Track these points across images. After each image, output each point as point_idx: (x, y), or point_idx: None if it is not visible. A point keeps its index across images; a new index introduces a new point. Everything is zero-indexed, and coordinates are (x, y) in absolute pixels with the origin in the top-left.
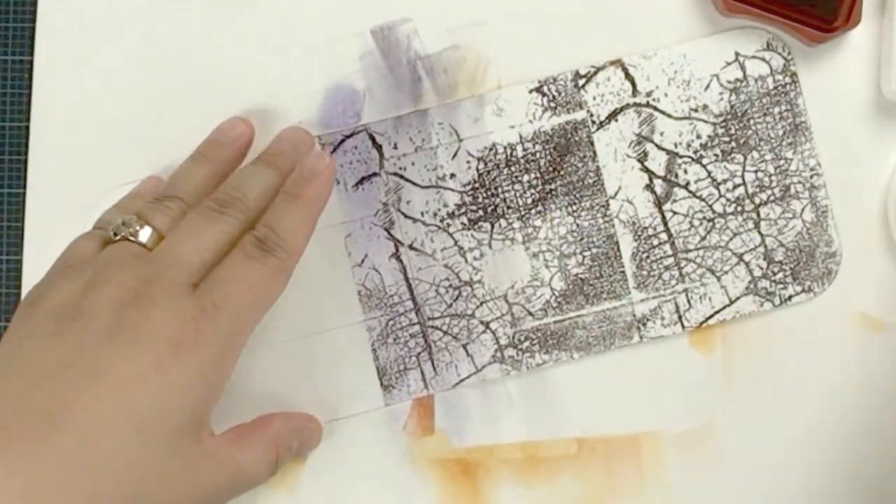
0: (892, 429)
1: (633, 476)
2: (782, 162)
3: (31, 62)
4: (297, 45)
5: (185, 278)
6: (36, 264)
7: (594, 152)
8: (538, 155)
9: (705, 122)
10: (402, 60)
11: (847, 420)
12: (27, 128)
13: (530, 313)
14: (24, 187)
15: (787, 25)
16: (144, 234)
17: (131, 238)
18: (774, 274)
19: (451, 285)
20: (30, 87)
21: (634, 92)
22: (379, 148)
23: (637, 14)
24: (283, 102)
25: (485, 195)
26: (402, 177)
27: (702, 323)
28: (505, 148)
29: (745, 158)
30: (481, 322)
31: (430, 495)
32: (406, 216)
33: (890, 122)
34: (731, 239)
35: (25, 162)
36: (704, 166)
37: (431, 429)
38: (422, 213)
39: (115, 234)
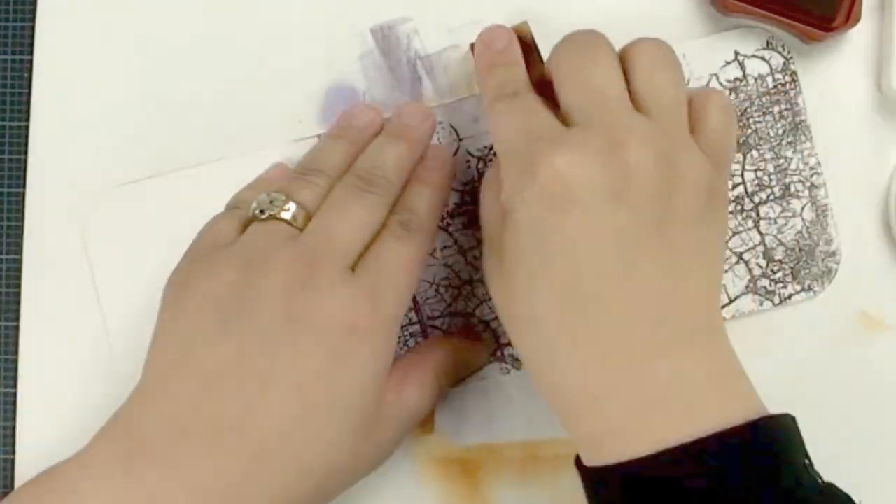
0: (893, 428)
1: None
2: (782, 161)
3: (31, 62)
4: (297, 45)
5: (344, 261)
6: (35, 264)
7: None
8: None
9: None
10: (403, 60)
11: (848, 419)
12: (27, 127)
13: None
14: (24, 187)
15: (786, 24)
16: (292, 212)
17: (280, 217)
18: (774, 273)
19: (450, 284)
20: (29, 86)
21: None
22: None
23: (637, 13)
24: (283, 102)
25: None
26: None
27: None
28: None
29: (745, 157)
30: (481, 321)
31: (430, 494)
32: None
33: (890, 121)
34: (730, 238)
35: (25, 161)
36: None
37: (431, 428)
38: None
39: (262, 212)
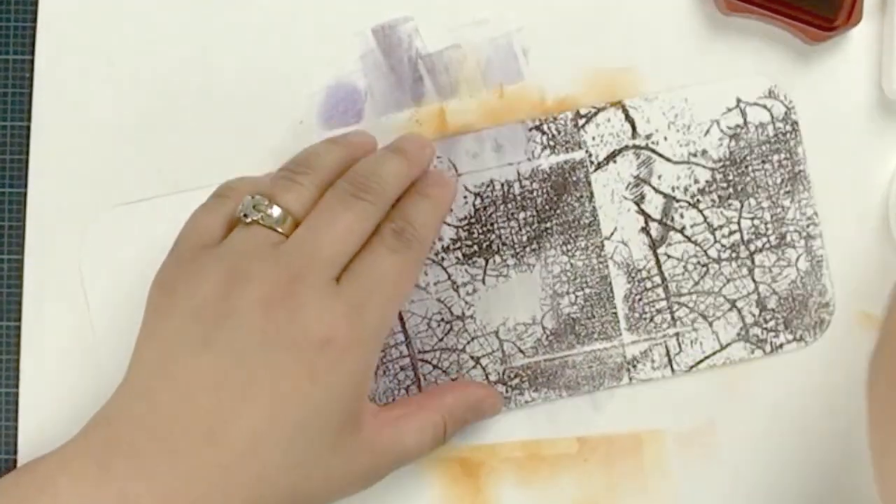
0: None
1: (635, 475)
2: (779, 210)
3: (33, 61)
4: (297, 45)
5: (328, 273)
6: (37, 264)
7: (591, 193)
8: (535, 193)
9: (704, 167)
10: (404, 59)
11: (848, 419)
12: (28, 127)
13: (521, 350)
14: (26, 187)
15: (787, 24)
16: (276, 217)
17: (263, 223)
18: (766, 321)
19: (442, 319)
20: (31, 86)
21: (634, 134)
22: None
23: (638, 13)
24: (283, 102)
25: (480, 231)
26: None
27: (692, 367)
28: (503, 184)
29: (742, 205)
30: (472, 357)
31: (432, 494)
32: None
33: (891, 121)
34: (724, 285)
35: (27, 161)
36: (701, 211)
37: None
38: None
39: (245, 216)
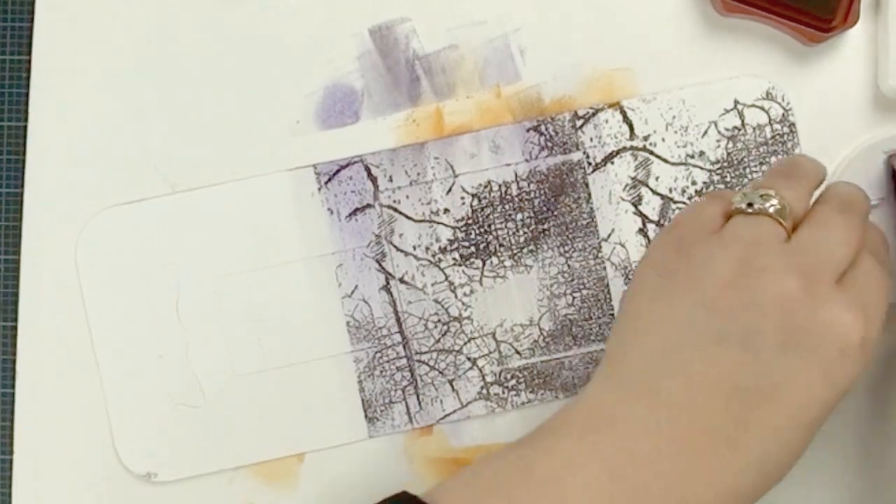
0: (894, 427)
1: None
2: None
3: (29, 61)
4: (294, 45)
5: (836, 276)
6: (33, 264)
7: (589, 194)
8: (533, 194)
9: (701, 168)
10: (401, 60)
11: (849, 418)
12: (25, 128)
13: (518, 352)
14: (22, 187)
15: (785, 25)
16: (778, 209)
17: (768, 213)
18: None
19: (439, 320)
20: (27, 86)
21: (632, 135)
22: (374, 179)
23: (635, 14)
24: (281, 102)
25: (477, 232)
26: (396, 210)
27: None
28: (500, 185)
29: None
30: (468, 358)
31: None
32: (398, 249)
33: (888, 119)
34: None
35: (23, 161)
36: None
37: (430, 428)
38: (414, 247)
39: (749, 206)
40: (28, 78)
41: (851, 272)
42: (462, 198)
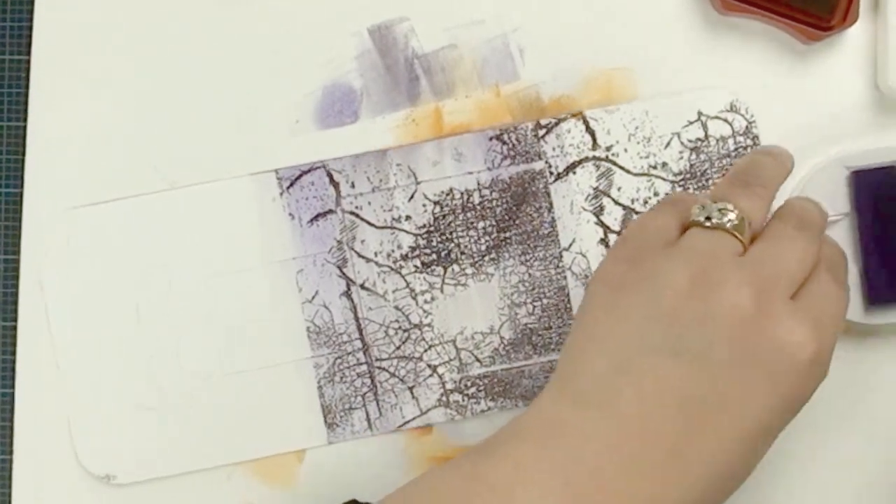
0: (893, 427)
1: None
2: None
3: (29, 61)
4: (293, 44)
5: (790, 291)
6: (33, 264)
7: (550, 203)
8: (495, 202)
9: (664, 179)
10: (400, 59)
11: (848, 419)
12: (24, 127)
13: (478, 360)
14: (22, 187)
15: (784, 24)
16: (739, 225)
17: (725, 228)
18: None
19: (400, 327)
20: (27, 86)
21: (594, 145)
22: (336, 185)
23: (634, 13)
24: (280, 101)
25: (439, 239)
26: (357, 216)
27: None
28: (462, 193)
29: None
30: (429, 365)
31: None
32: (359, 255)
33: (887, 119)
34: None
35: (23, 161)
36: None
37: (430, 427)
38: (375, 254)
39: (707, 219)
40: (27, 78)
41: (806, 287)
42: (424, 205)
